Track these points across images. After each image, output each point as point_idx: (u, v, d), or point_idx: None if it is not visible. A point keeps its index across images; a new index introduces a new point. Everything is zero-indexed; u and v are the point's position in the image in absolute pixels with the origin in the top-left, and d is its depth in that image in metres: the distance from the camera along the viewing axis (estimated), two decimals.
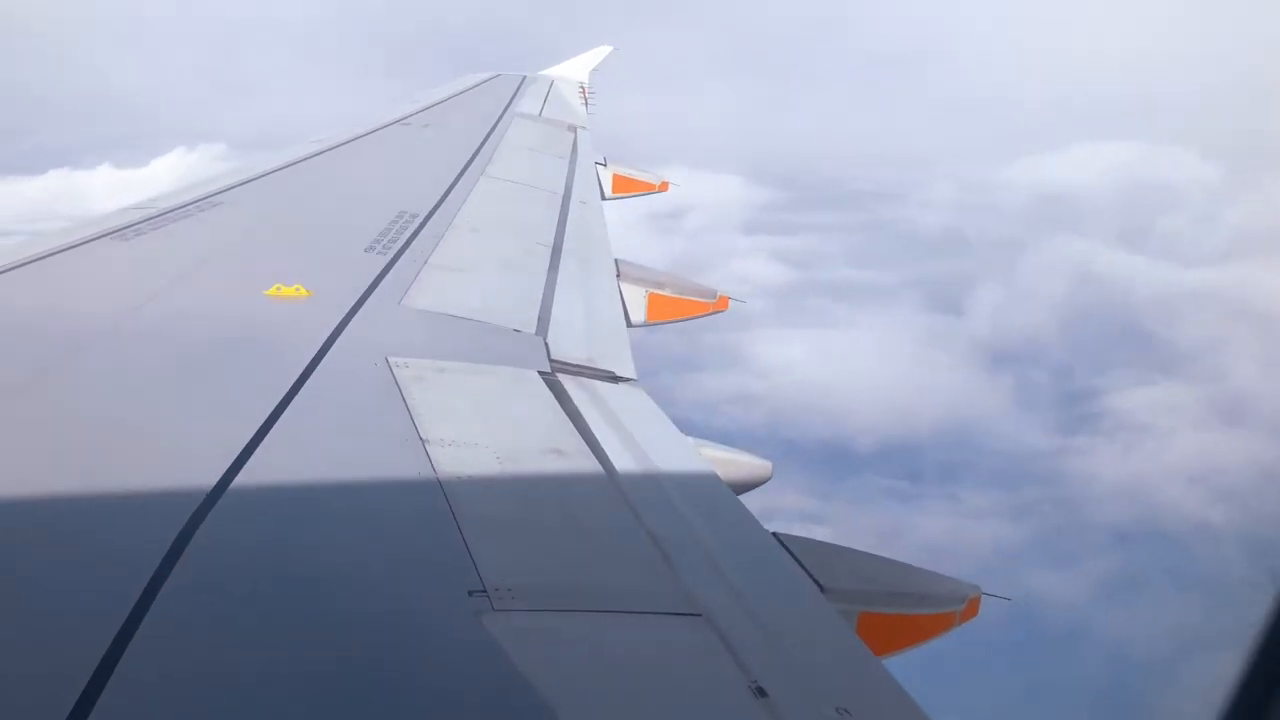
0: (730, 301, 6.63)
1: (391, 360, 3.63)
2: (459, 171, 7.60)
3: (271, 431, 2.91)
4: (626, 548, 2.69)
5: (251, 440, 2.82)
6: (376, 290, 4.50)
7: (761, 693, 2.07)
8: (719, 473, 3.41)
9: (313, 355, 3.57)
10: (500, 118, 10.86)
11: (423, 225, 5.81)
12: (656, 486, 3.10)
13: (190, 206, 5.56)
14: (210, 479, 2.57)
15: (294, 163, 7.27)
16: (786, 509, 27.03)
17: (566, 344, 4.37)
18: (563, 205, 7.39)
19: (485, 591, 2.26)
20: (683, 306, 6.39)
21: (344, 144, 8.32)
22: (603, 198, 8.91)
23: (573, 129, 11.34)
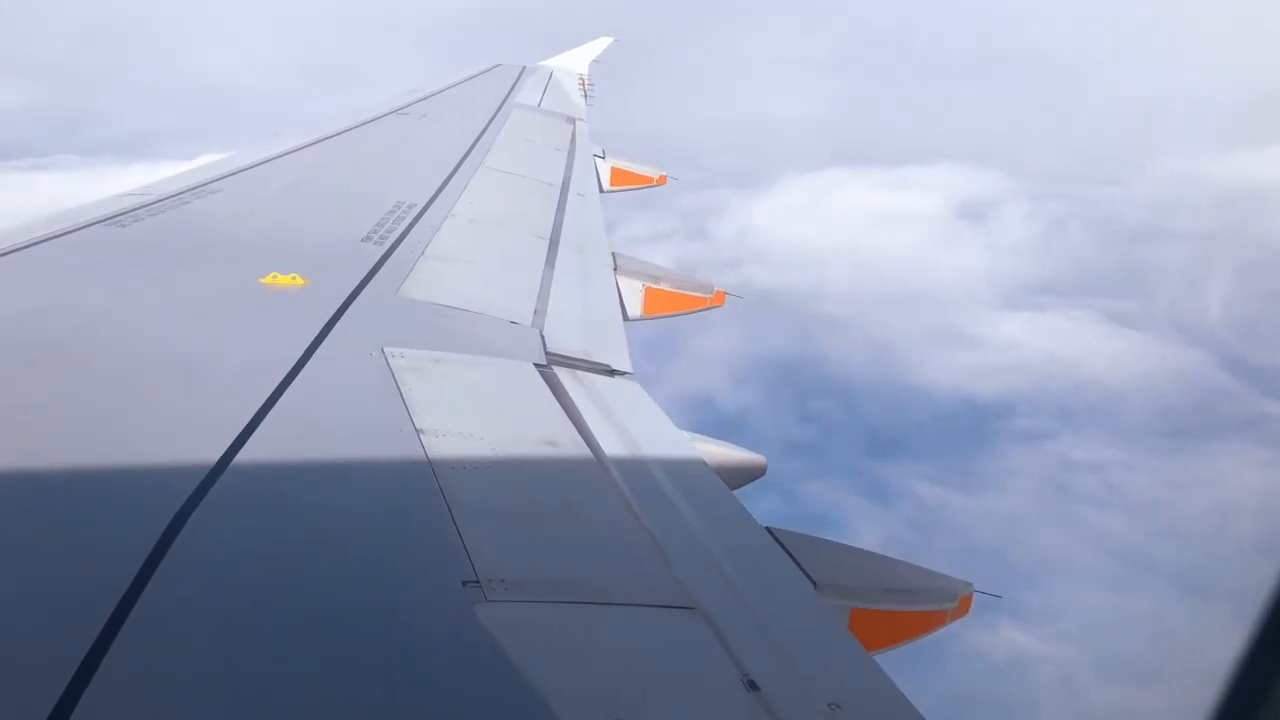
0: (727, 296, 6.63)
1: (387, 350, 3.62)
2: (457, 162, 7.58)
3: (265, 420, 2.90)
4: (620, 540, 2.69)
5: (245, 429, 2.82)
6: (373, 280, 4.49)
7: (753, 686, 2.08)
8: (714, 467, 3.41)
9: (308, 344, 3.56)
10: (499, 109, 10.83)
11: (420, 216, 5.80)
12: (651, 480, 3.10)
13: (187, 194, 5.54)
14: (204, 467, 2.56)
15: (291, 151, 7.25)
16: (1107, 463, 32.18)
17: (563, 336, 4.37)
18: (561, 197, 7.38)
19: (478, 582, 2.27)
20: (680, 300, 6.38)
21: (342, 133, 8.30)
22: (600, 190, 8.90)
23: (572, 121, 11.32)
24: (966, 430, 34.54)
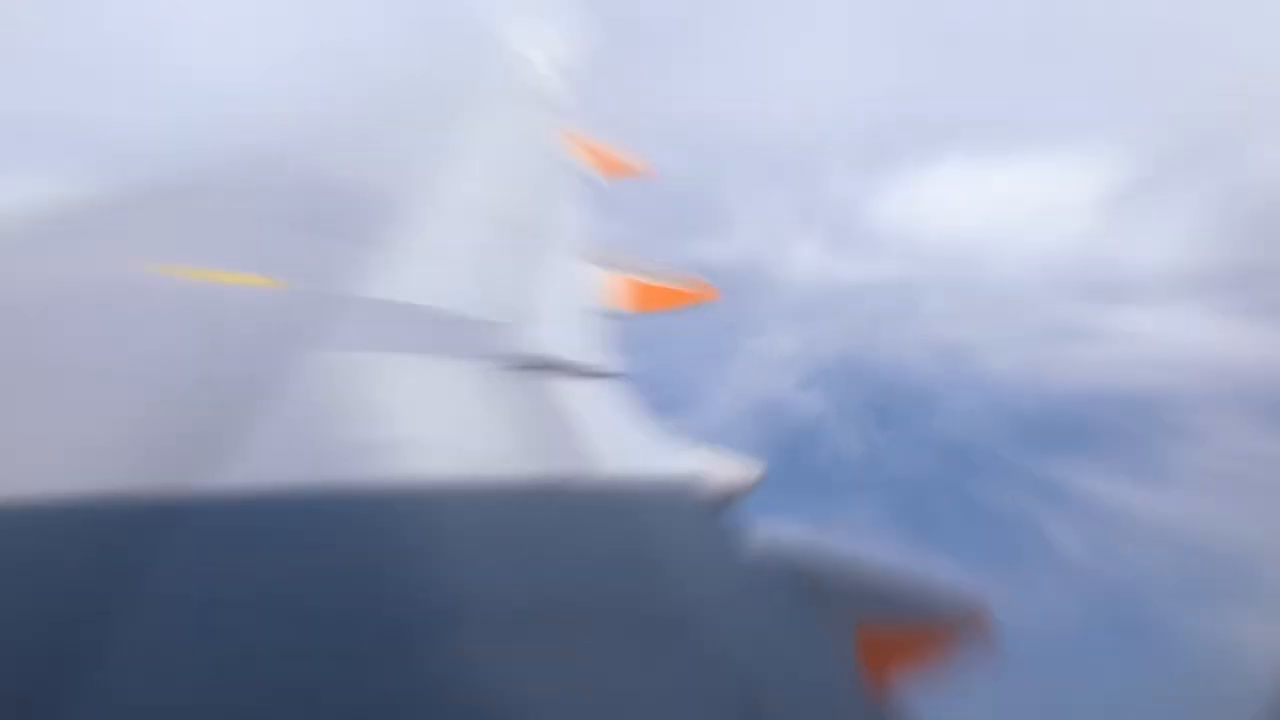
0: (718, 292, 6.45)
1: (351, 354, 3.42)
2: (430, 154, 7.39)
3: (225, 431, 2.70)
4: (601, 555, 2.52)
5: (199, 441, 2.61)
6: (340, 279, 4.28)
7: (754, 707, 1.95)
8: (702, 475, 3.24)
9: (269, 350, 3.36)
10: (475, 98, 10.64)
11: (391, 211, 5.60)
12: (634, 488, 2.93)
13: (150, 193, 5.31)
14: (150, 484, 2.35)
15: (257, 147, 7.03)
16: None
17: (541, 336, 4.19)
18: (539, 190, 7.19)
19: (451, 607, 2.09)
20: (667, 296, 6.19)
21: (310, 127, 8.08)
22: (584, 181, 8.72)
23: (553, 108, 11.15)
24: (1120, 426, 33.73)
